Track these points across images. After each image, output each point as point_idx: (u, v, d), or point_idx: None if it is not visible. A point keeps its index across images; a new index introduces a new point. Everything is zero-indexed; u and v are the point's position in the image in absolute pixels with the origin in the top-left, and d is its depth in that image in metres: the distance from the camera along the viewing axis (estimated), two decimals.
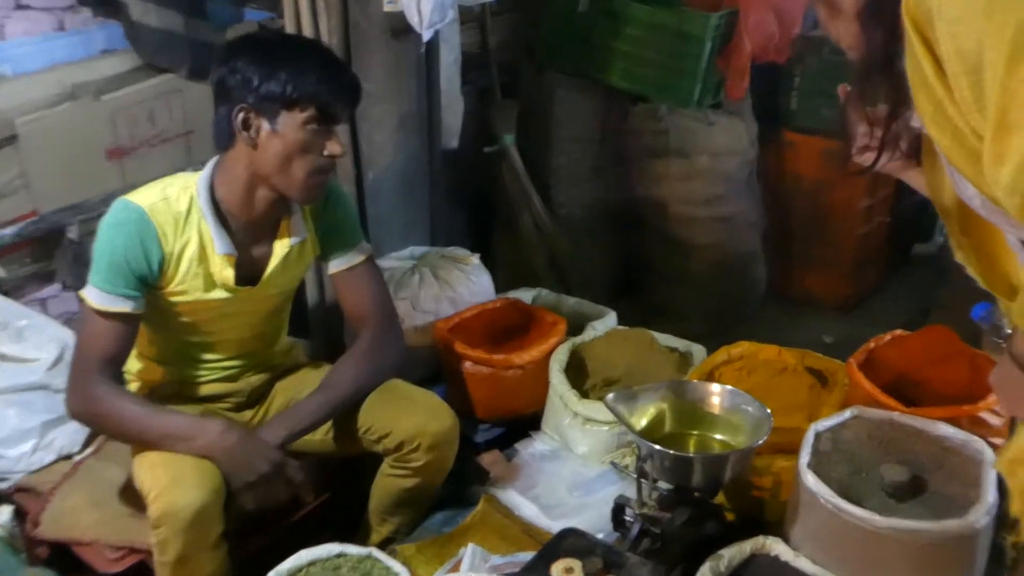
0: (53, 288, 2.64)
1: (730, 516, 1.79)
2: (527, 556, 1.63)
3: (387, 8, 2.30)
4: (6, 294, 2.36)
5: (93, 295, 1.69)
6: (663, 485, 1.66)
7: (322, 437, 1.87)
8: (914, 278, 3.57)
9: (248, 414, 1.97)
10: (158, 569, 1.67)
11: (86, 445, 2.04)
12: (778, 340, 2.16)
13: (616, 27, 2.96)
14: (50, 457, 2.01)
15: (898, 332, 2.01)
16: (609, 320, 2.40)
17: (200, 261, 1.74)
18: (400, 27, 2.36)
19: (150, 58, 2.65)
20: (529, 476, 2.04)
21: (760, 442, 1.63)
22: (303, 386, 1.94)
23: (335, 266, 1.91)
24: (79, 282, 2.34)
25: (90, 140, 2.47)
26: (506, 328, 2.38)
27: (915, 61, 0.81)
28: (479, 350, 2.20)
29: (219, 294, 1.78)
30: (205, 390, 1.92)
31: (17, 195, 2.40)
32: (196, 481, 1.62)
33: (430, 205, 2.75)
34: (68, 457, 2.02)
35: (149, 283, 1.72)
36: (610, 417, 1.83)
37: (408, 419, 1.82)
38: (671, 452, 1.59)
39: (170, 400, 1.85)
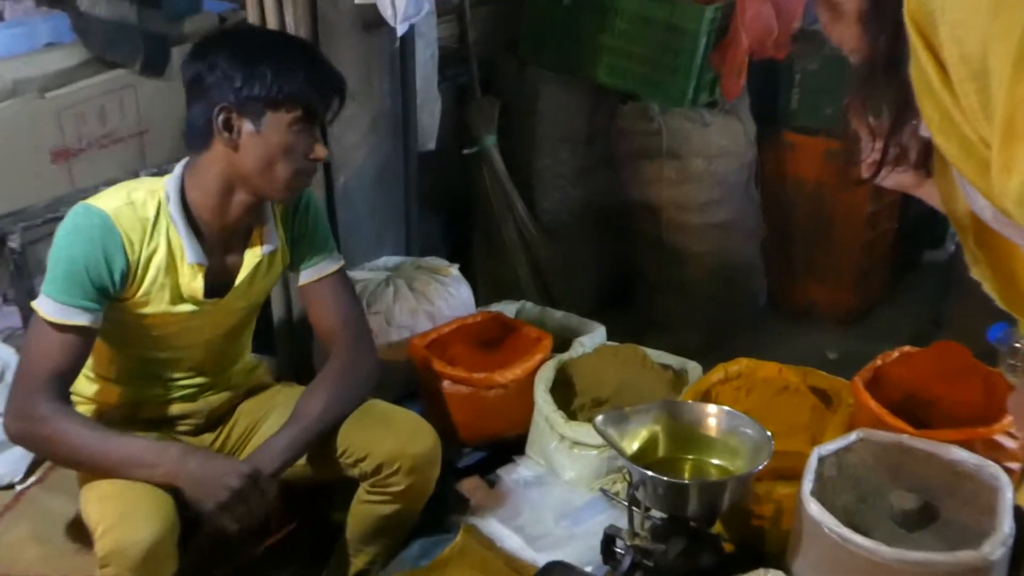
0: None
1: (728, 547, 1.80)
2: None
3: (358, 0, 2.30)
4: None
5: (46, 306, 1.67)
6: (656, 514, 1.66)
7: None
8: (924, 288, 3.59)
9: (208, 437, 1.96)
10: None
11: (29, 473, 2.02)
12: (778, 356, 2.18)
13: (604, 20, 2.98)
14: None
15: (907, 348, 2.03)
16: (598, 335, 2.40)
17: (168, 271, 1.74)
18: (372, 20, 2.36)
19: (99, 52, 2.63)
20: (512, 504, 2.04)
21: (760, 467, 1.64)
22: (267, 408, 1.93)
23: (305, 276, 1.92)
24: (21, 295, 2.32)
25: (34, 141, 2.44)
26: (487, 344, 2.38)
27: (919, 66, 0.82)
28: (458, 368, 2.20)
29: (185, 307, 1.77)
30: (161, 411, 1.90)
31: None
32: (148, 515, 1.60)
33: (405, 212, 2.75)
34: (10, 486, 2.00)
35: (110, 295, 1.70)
36: (599, 440, 1.83)
37: (387, 440, 1.82)
38: (665, 478, 1.59)
39: (122, 424, 1.83)
